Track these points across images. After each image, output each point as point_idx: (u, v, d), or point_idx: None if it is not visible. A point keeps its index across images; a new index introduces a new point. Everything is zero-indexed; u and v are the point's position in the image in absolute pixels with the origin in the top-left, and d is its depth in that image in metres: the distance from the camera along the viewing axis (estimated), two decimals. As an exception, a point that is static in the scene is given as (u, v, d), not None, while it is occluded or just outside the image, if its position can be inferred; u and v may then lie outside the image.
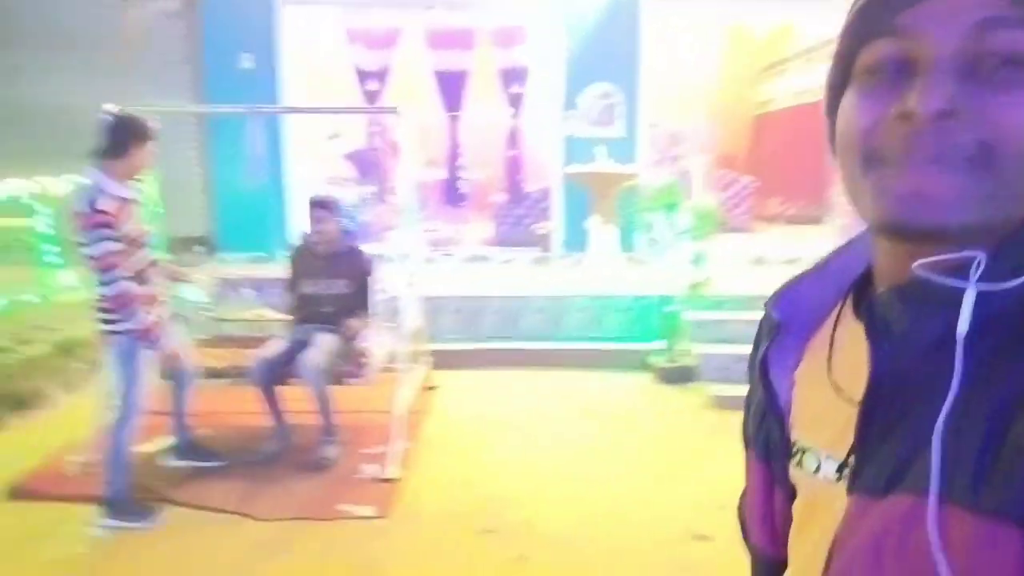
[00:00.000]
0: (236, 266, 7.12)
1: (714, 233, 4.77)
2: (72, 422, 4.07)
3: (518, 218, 8.00)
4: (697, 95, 8.59)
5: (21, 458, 3.68)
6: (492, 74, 7.54)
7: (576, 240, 7.34)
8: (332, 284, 3.84)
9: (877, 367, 0.54)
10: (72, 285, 5.43)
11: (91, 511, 3.15)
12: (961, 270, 0.49)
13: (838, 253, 0.65)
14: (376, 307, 3.95)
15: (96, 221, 2.80)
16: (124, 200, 2.92)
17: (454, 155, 7.79)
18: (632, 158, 7.12)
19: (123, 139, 2.94)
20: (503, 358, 5.26)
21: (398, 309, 4.16)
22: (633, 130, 7.16)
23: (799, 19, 8.39)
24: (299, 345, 3.65)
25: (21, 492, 3.37)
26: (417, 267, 4.11)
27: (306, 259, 3.86)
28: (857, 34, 0.55)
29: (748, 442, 0.71)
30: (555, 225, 7.44)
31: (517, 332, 5.53)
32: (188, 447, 3.63)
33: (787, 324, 0.65)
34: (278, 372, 3.62)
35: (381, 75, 7.46)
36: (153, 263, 3.15)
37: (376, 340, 3.88)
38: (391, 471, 3.47)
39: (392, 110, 3.74)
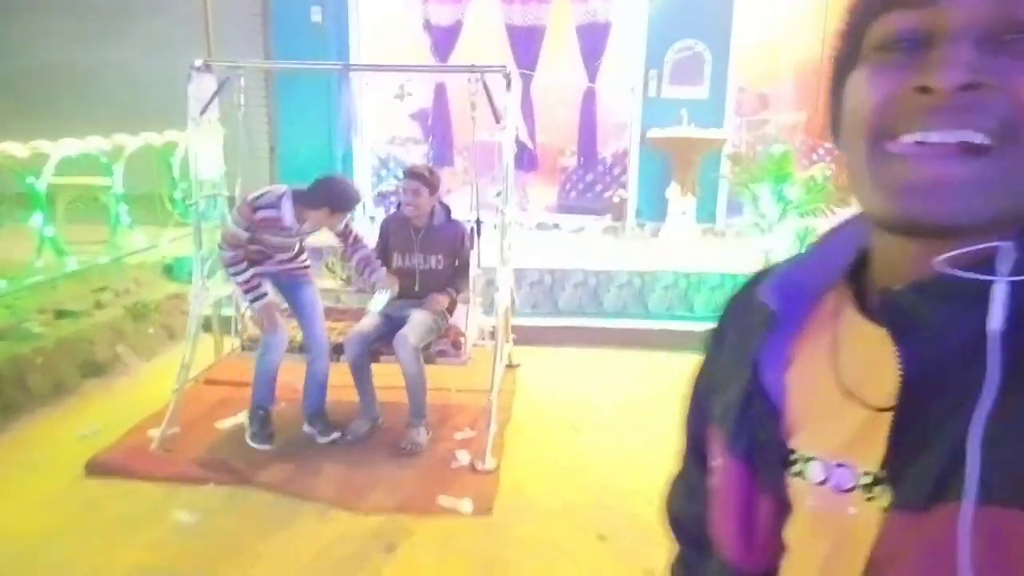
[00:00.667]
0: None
1: (827, 207, 4.37)
2: (149, 391, 3.94)
3: (589, 184, 7.63)
4: (786, 54, 8.01)
5: (98, 426, 3.56)
6: (569, 30, 7.10)
7: (651, 209, 6.97)
8: (427, 259, 3.59)
9: (908, 371, 0.51)
10: (143, 246, 5.29)
11: (174, 493, 3.00)
12: (983, 263, 0.47)
13: (828, 237, 0.62)
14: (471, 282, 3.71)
15: (243, 213, 3.14)
16: (282, 225, 3.18)
17: (524, 115, 7.39)
18: (718, 122, 6.67)
19: (321, 199, 3.19)
20: (585, 336, 4.97)
21: (491, 283, 3.89)
22: (721, 92, 6.69)
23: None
24: (392, 322, 3.41)
25: (100, 467, 3.22)
26: (511, 239, 3.80)
27: (399, 231, 3.60)
28: (867, 7, 0.52)
29: (724, 439, 0.63)
30: (630, 193, 7.05)
31: (599, 308, 5.24)
32: (313, 419, 3.46)
33: (782, 315, 0.60)
34: (371, 349, 3.40)
35: (452, 30, 7.07)
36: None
37: (470, 317, 3.62)
38: (488, 462, 3.23)
39: (500, 69, 3.41)
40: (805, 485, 0.56)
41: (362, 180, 7.29)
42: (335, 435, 3.41)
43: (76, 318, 4.23)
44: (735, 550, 0.63)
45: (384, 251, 3.66)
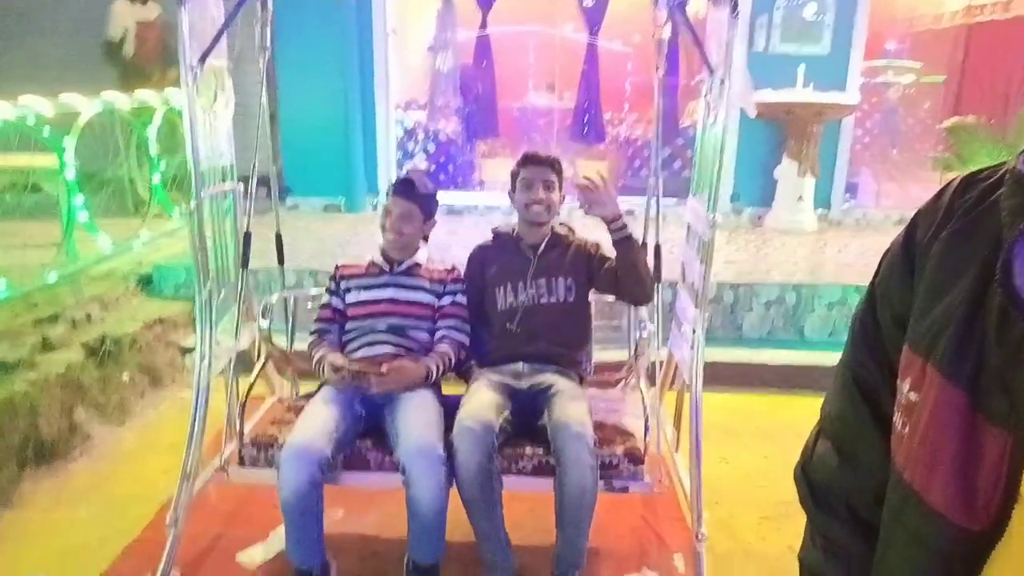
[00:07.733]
0: (308, 215, 5.49)
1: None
2: (127, 484, 2.58)
3: (666, 160, 6.24)
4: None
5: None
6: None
7: (750, 192, 5.66)
8: (554, 286, 2.30)
9: None
10: (108, 252, 3.82)
11: None
12: None
13: None
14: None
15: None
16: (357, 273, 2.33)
17: (589, 78, 5.97)
18: (840, 83, 5.33)
19: None
20: (722, 375, 3.64)
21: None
22: (845, 46, 5.33)
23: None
24: (518, 399, 2.08)
25: None
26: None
27: (500, 256, 2.34)
28: None
29: (937, 364, 0.52)
30: (724, 171, 5.70)
31: (737, 334, 3.91)
32: None
33: None
34: (494, 459, 2.03)
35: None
36: None
37: (648, 398, 2.25)
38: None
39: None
40: None
41: (385, 155, 5.83)
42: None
43: (9, 373, 2.80)
44: (953, 501, 0.52)
45: (479, 293, 2.33)
